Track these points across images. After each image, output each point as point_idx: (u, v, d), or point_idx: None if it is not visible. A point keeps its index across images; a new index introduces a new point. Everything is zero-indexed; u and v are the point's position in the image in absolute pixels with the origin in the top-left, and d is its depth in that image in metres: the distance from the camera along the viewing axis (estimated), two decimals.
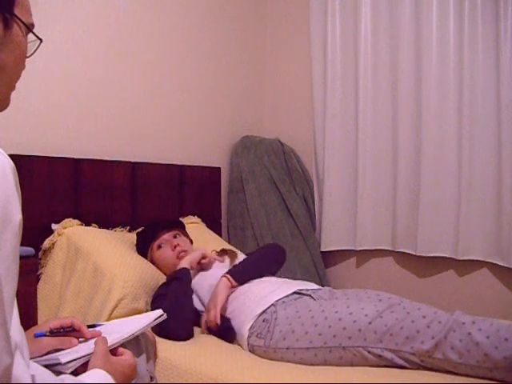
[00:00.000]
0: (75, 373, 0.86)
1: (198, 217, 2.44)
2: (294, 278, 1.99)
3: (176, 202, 2.41)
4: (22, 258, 0.65)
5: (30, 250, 1.53)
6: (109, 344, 0.92)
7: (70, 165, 1.98)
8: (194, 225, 2.33)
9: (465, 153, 2.29)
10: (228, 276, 1.70)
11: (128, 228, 2.11)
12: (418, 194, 2.40)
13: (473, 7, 2.23)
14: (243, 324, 1.59)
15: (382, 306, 1.44)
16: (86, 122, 2.11)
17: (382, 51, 2.52)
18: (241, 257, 1.96)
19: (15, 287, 0.62)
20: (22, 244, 0.66)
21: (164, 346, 1.47)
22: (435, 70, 2.33)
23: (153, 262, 1.91)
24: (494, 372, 1.24)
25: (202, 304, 1.76)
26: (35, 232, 1.82)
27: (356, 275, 2.71)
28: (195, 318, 1.68)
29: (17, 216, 0.62)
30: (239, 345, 1.59)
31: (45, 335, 0.99)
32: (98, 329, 1.07)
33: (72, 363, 0.88)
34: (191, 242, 2.02)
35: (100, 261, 1.76)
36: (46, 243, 1.84)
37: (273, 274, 1.89)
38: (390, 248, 2.56)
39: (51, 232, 1.86)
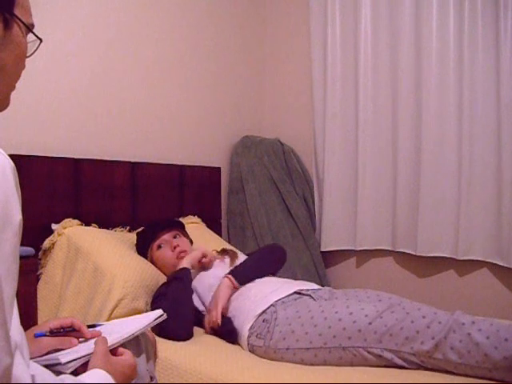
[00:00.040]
0: (75, 373, 0.86)
1: (198, 217, 2.44)
2: (294, 278, 1.99)
3: (176, 202, 2.41)
4: (21, 258, 0.65)
5: (30, 250, 1.53)
6: (109, 344, 0.92)
7: (70, 165, 1.98)
8: (193, 225, 2.33)
9: (465, 153, 2.29)
10: (230, 277, 1.70)
11: (128, 228, 2.11)
12: (417, 194, 2.40)
13: (473, 7, 2.23)
14: (243, 324, 1.59)
15: (381, 306, 1.44)
16: (86, 122, 2.11)
17: (382, 51, 2.52)
18: (241, 257, 1.96)
19: (15, 287, 0.62)
20: (22, 244, 0.66)
21: (164, 346, 1.47)
22: (435, 70, 2.33)
23: (153, 262, 1.91)
24: (494, 372, 1.24)
25: (203, 304, 1.76)
26: (35, 232, 1.82)
27: (356, 275, 2.71)
28: (195, 318, 1.68)
29: (17, 216, 0.62)
30: (239, 345, 1.59)
31: (45, 335, 0.99)
32: (98, 329, 1.07)
33: (72, 363, 0.88)
34: (191, 242, 2.02)
35: (100, 261, 1.76)
36: (46, 243, 1.83)
37: (273, 274, 1.89)
38: (390, 248, 2.56)
39: (51, 232, 1.86)
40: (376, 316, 1.39)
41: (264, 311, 1.59)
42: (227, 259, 1.92)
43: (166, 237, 1.92)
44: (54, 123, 1.99)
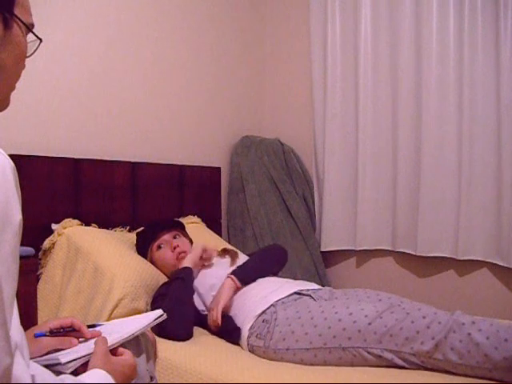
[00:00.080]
0: (75, 373, 0.86)
1: (198, 217, 2.44)
2: (294, 278, 1.99)
3: (176, 202, 2.41)
4: (21, 258, 0.65)
5: (30, 250, 1.52)
6: (109, 344, 0.92)
7: (70, 165, 1.98)
8: (193, 225, 2.33)
9: (465, 153, 2.29)
10: (233, 277, 1.70)
11: (128, 228, 2.11)
12: (417, 194, 2.40)
13: (473, 7, 2.23)
14: (243, 324, 1.59)
15: (381, 306, 1.44)
16: (86, 122, 2.11)
17: (382, 51, 2.52)
18: (242, 256, 1.96)
19: (15, 287, 0.62)
20: (22, 244, 0.66)
21: (164, 346, 1.47)
22: (435, 70, 2.33)
23: (152, 262, 1.91)
24: (494, 372, 1.24)
25: (204, 304, 1.76)
26: (35, 232, 1.82)
27: (356, 275, 2.71)
28: (196, 318, 1.68)
29: (17, 216, 0.61)
30: (239, 345, 1.59)
31: (45, 335, 0.99)
32: (97, 329, 1.07)
33: (72, 363, 0.88)
34: (191, 242, 2.02)
35: (100, 261, 1.76)
36: (46, 243, 1.83)
37: (275, 275, 1.89)
38: (390, 248, 2.56)
39: (51, 232, 1.86)
40: (376, 316, 1.39)
41: (264, 311, 1.59)
42: (228, 259, 1.92)
43: (166, 237, 1.92)
44: (54, 123, 1.99)
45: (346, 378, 1.30)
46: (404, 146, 2.46)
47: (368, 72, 2.54)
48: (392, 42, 2.49)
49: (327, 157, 2.67)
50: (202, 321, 1.70)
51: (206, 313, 1.73)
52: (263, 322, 1.56)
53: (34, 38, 0.78)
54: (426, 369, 1.33)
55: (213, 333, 1.68)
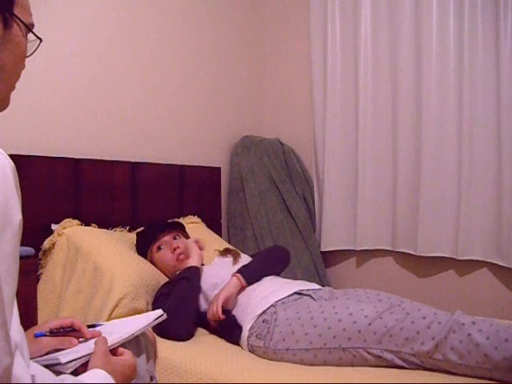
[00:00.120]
0: (75, 373, 0.86)
1: (198, 217, 2.44)
2: (295, 278, 1.99)
3: (176, 202, 2.41)
4: (21, 258, 0.65)
5: (30, 250, 1.52)
6: (109, 344, 0.92)
7: (70, 165, 1.97)
8: (193, 225, 2.33)
9: (465, 153, 2.29)
10: (238, 275, 1.70)
11: (128, 228, 2.11)
12: (417, 194, 2.40)
13: (473, 7, 2.23)
14: (243, 324, 1.59)
15: (381, 306, 1.44)
16: (86, 122, 2.11)
17: (382, 51, 2.52)
18: (244, 257, 1.96)
19: (15, 287, 0.62)
20: (22, 244, 0.66)
21: (164, 346, 1.47)
22: (435, 69, 2.33)
23: (152, 263, 1.91)
24: (494, 372, 1.24)
25: (206, 303, 1.76)
26: (35, 232, 1.82)
27: (356, 275, 2.71)
28: (197, 318, 1.68)
29: (17, 216, 0.61)
30: (239, 345, 1.59)
31: (45, 335, 0.99)
32: (97, 329, 1.07)
33: (72, 363, 0.88)
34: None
35: (100, 261, 1.76)
36: (46, 243, 1.83)
37: (276, 275, 1.89)
38: (390, 248, 2.56)
39: (51, 232, 1.86)
40: (376, 317, 1.39)
41: (264, 311, 1.59)
42: (230, 258, 1.92)
43: (167, 238, 1.92)
44: (54, 123, 1.99)
45: (346, 378, 1.30)
46: (404, 146, 2.45)
47: (368, 72, 2.54)
48: (392, 42, 2.49)
49: (327, 157, 2.67)
50: (202, 319, 1.70)
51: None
52: (263, 322, 1.56)
53: (34, 37, 0.78)
54: (426, 369, 1.33)
55: (213, 332, 1.67)
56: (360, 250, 2.63)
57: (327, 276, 2.68)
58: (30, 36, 0.78)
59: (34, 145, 1.91)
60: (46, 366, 0.82)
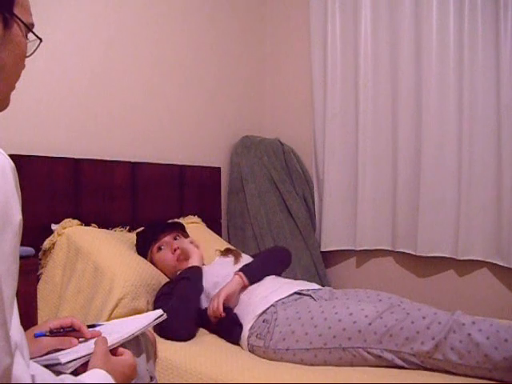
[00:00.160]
0: (75, 373, 0.86)
1: (198, 217, 2.44)
2: (295, 278, 1.99)
3: (176, 202, 2.41)
4: (21, 258, 0.65)
5: (30, 250, 1.52)
6: (109, 344, 0.92)
7: (70, 165, 1.97)
8: (194, 225, 2.33)
9: (465, 153, 2.29)
10: (241, 274, 1.70)
11: (128, 228, 2.11)
12: (418, 194, 2.40)
13: (473, 7, 2.23)
14: (244, 324, 1.59)
15: (381, 306, 1.44)
16: (86, 122, 2.11)
17: (382, 51, 2.52)
18: (245, 257, 1.96)
19: (15, 287, 0.62)
20: (22, 244, 0.66)
21: (164, 346, 1.47)
22: (435, 69, 2.33)
23: (153, 263, 1.91)
24: (494, 372, 1.24)
25: (206, 302, 1.76)
26: (35, 232, 1.82)
27: (356, 275, 2.71)
28: (198, 315, 1.68)
29: (17, 216, 0.61)
30: (239, 345, 1.59)
31: (45, 335, 0.99)
32: (97, 329, 1.07)
33: (72, 363, 0.87)
34: (191, 242, 2.02)
35: (100, 261, 1.76)
36: (46, 243, 1.83)
37: (277, 276, 1.89)
38: (389, 248, 2.56)
39: (51, 232, 1.86)
40: (376, 316, 1.39)
41: (264, 311, 1.59)
42: (231, 258, 1.92)
43: (167, 239, 1.92)
44: (54, 123, 1.99)
45: (346, 378, 1.30)
46: (404, 146, 2.45)
47: (368, 72, 2.54)
48: (392, 42, 2.49)
49: (327, 157, 2.67)
50: (202, 316, 1.69)
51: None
52: (263, 321, 1.56)
53: (34, 37, 0.78)
54: (426, 369, 1.33)
55: (213, 332, 1.67)
56: (360, 250, 2.63)
57: (327, 276, 2.68)
58: (30, 36, 0.78)
59: (34, 145, 1.91)
60: (46, 366, 0.81)
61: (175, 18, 2.49)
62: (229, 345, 1.58)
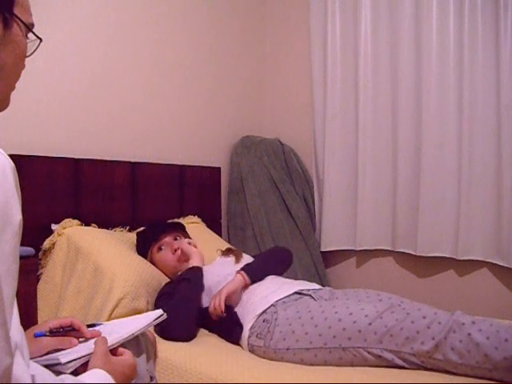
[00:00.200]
0: (75, 373, 0.86)
1: (198, 217, 2.44)
2: (295, 278, 1.99)
3: (176, 202, 2.41)
4: (21, 258, 0.65)
5: (30, 250, 1.52)
6: (109, 344, 0.92)
7: (70, 165, 1.97)
8: (194, 225, 2.33)
9: (465, 153, 2.29)
10: (243, 273, 1.70)
11: (128, 228, 2.11)
12: (418, 194, 2.40)
13: (473, 7, 2.23)
14: (244, 324, 1.59)
15: (382, 306, 1.44)
16: (86, 122, 2.11)
17: (382, 51, 2.52)
18: (245, 256, 1.96)
19: (15, 287, 0.62)
20: (22, 244, 0.66)
21: (164, 346, 1.47)
22: (435, 69, 2.33)
23: (153, 263, 1.91)
24: (494, 372, 1.24)
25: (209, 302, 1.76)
26: (35, 232, 1.82)
27: (356, 275, 2.71)
28: (199, 314, 1.67)
29: (17, 216, 0.61)
30: (239, 345, 1.59)
31: (45, 335, 0.99)
32: (97, 328, 1.07)
33: (72, 363, 0.88)
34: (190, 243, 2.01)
35: (100, 261, 1.76)
36: (46, 243, 1.83)
37: (278, 276, 1.89)
38: (389, 248, 2.56)
39: (51, 232, 1.86)
40: (376, 316, 1.39)
41: (264, 311, 1.59)
42: (232, 258, 1.92)
43: (167, 239, 1.92)
44: (54, 123, 1.99)
45: (346, 378, 1.30)
46: (404, 146, 2.46)
47: (368, 72, 2.54)
48: (392, 42, 2.49)
49: (327, 157, 2.67)
50: (203, 315, 1.69)
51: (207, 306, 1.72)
52: (264, 321, 1.56)
53: (34, 37, 0.78)
54: (426, 369, 1.33)
55: (213, 331, 1.67)
56: (360, 250, 2.63)
57: (327, 276, 2.68)
58: (30, 36, 0.78)
59: (34, 145, 1.91)
60: (46, 366, 0.81)
61: (175, 17, 2.49)
62: (229, 345, 1.58)
